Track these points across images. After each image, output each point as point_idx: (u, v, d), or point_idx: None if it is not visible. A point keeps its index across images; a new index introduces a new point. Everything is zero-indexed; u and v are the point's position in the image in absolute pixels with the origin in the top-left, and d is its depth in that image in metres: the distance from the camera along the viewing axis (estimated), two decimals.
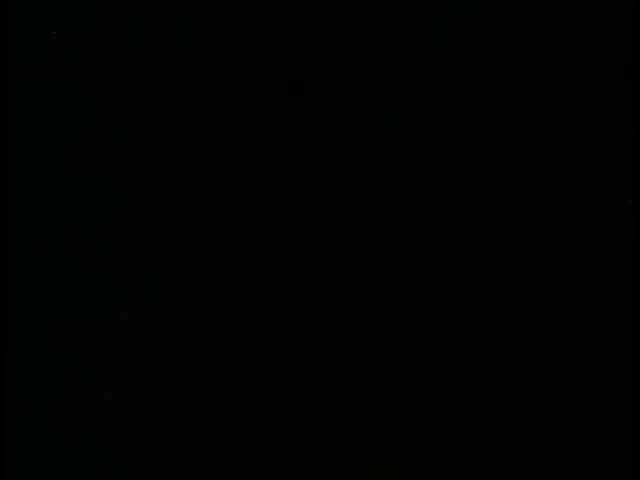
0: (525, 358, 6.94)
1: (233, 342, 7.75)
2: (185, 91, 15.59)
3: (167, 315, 9.71)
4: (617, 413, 5.59)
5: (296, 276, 8.42)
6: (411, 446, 5.52)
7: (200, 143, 15.78)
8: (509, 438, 5.57)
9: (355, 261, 9.67)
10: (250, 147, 12.56)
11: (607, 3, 11.67)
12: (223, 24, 14.63)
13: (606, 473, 5.13)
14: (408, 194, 14.94)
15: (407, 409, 6.11)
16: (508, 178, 14.31)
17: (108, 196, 14.57)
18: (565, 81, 13.41)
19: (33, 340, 7.70)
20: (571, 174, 13.67)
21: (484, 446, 5.47)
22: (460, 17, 13.64)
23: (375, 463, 5.49)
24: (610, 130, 12.87)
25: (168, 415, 6.12)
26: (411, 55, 12.82)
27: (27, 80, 12.31)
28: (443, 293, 9.28)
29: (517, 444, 5.49)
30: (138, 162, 14.64)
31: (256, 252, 8.43)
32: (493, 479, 5.25)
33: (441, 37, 14.01)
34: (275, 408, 6.20)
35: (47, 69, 13.14)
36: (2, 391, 5.40)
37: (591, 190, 13.60)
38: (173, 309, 9.52)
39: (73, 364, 7.20)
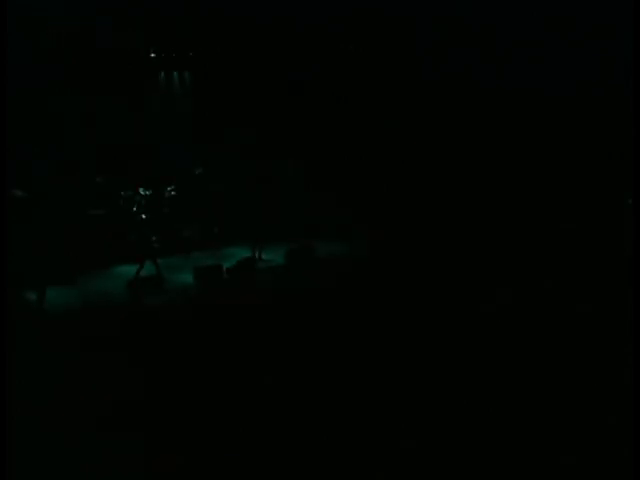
0: (525, 357, 6.87)
1: (233, 344, 7.67)
2: (186, 91, 15.18)
3: (167, 315, 9.57)
4: (617, 413, 5.56)
5: None
6: (412, 446, 5.49)
7: (202, 140, 15.46)
8: (510, 438, 5.54)
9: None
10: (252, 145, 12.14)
11: (607, 3, 11.55)
12: (224, 24, 14.35)
13: (606, 473, 5.10)
14: (408, 193, 14.59)
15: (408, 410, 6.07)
16: (508, 178, 14.05)
17: (108, 195, 14.28)
18: (565, 81, 13.24)
19: (33, 340, 7.63)
20: (571, 174, 13.43)
21: (484, 446, 5.43)
22: (460, 17, 13.46)
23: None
24: (610, 130, 12.68)
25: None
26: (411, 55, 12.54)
27: (27, 80, 12.15)
28: (442, 291, 9.15)
29: (518, 444, 5.46)
30: (137, 162, 14.28)
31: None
32: (494, 478, 5.22)
33: (441, 37, 13.80)
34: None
35: (47, 69, 12.96)
36: (2, 391, 5.36)
37: (591, 190, 13.37)
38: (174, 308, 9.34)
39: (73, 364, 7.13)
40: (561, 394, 6.31)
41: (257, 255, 14.34)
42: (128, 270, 13.56)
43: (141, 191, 14.66)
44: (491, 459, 5.42)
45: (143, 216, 14.21)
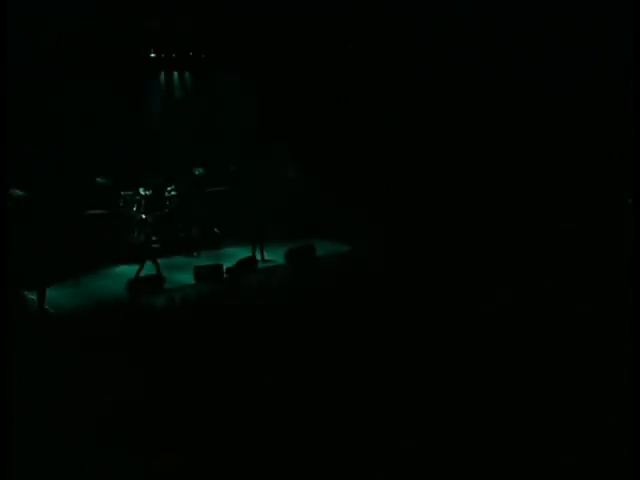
0: (525, 357, 6.88)
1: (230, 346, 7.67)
2: (186, 91, 15.20)
3: (167, 315, 9.54)
4: (617, 413, 5.56)
5: None
6: (412, 446, 5.49)
7: (202, 140, 15.46)
8: (511, 438, 5.54)
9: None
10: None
11: (607, 3, 11.55)
12: (224, 24, 14.33)
13: (606, 473, 5.10)
14: (408, 193, 14.54)
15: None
16: (508, 178, 14.03)
17: (108, 195, 14.24)
18: (565, 81, 13.24)
19: (33, 340, 7.62)
20: (571, 174, 13.40)
21: (484, 445, 5.44)
22: (460, 17, 13.47)
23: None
24: (610, 130, 12.66)
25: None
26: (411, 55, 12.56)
27: (27, 80, 12.14)
28: (442, 291, 9.15)
29: (518, 443, 5.46)
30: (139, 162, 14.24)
31: None
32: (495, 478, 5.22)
33: (441, 37, 13.81)
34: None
35: (47, 69, 12.95)
36: (2, 391, 5.36)
37: (591, 190, 13.34)
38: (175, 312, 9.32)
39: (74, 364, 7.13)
40: (561, 394, 6.31)
41: (260, 255, 14.36)
42: (128, 270, 13.58)
43: (141, 191, 14.68)
44: (491, 459, 5.43)
45: (143, 216, 14.24)
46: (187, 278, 12.69)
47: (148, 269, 12.53)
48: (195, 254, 14.52)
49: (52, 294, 11.37)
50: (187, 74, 16.01)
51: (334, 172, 15.26)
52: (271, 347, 7.64)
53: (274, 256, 13.86)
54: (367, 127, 15.65)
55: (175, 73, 15.91)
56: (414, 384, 6.75)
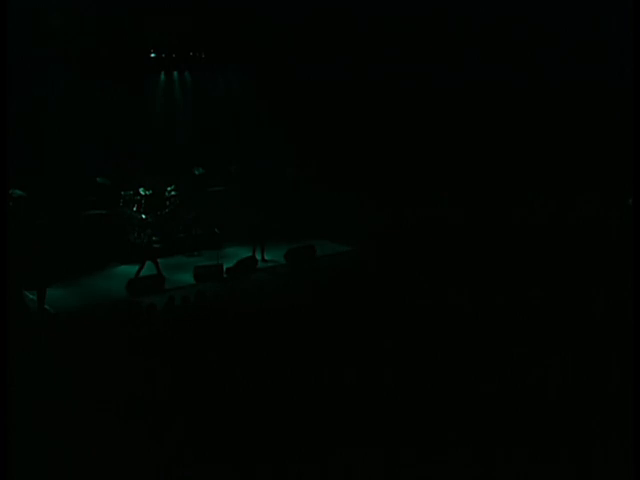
0: (525, 357, 6.87)
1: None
2: (186, 91, 15.12)
3: (167, 315, 9.52)
4: (617, 413, 5.56)
5: None
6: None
7: (203, 140, 15.37)
8: (512, 438, 5.54)
9: None
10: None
11: (607, 3, 11.50)
12: (223, 24, 14.25)
13: (606, 472, 5.10)
14: (409, 194, 14.40)
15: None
16: (508, 179, 13.94)
17: (108, 195, 14.20)
18: (566, 80, 13.17)
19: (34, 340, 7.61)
20: (571, 175, 13.33)
21: (484, 445, 5.43)
22: (461, 17, 13.41)
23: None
24: (610, 131, 12.60)
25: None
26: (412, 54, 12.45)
27: (27, 80, 12.07)
28: (441, 292, 9.12)
29: (517, 444, 5.46)
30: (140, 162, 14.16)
31: None
32: (495, 478, 5.22)
33: (440, 37, 13.70)
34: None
35: (47, 69, 12.88)
36: (2, 391, 5.36)
37: (591, 190, 13.27)
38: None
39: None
40: (561, 394, 6.31)
41: (260, 255, 14.34)
42: (128, 270, 13.58)
43: (141, 191, 14.68)
44: (491, 459, 5.43)
45: (143, 216, 14.24)
46: (187, 278, 12.70)
47: (148, 269, 12.53)
48: (196, 254, 14.51)
49: (52, 294, 11.37)
50: (187, 74, 16.02)
51: (334, 172, 15.25)
52: (271, 347, 7.64)
53: (274, 256, 13.87)
54: (367, 127, 15.64)
55: (175, 73, 15.93)
56: (414, 385, 6.74)
